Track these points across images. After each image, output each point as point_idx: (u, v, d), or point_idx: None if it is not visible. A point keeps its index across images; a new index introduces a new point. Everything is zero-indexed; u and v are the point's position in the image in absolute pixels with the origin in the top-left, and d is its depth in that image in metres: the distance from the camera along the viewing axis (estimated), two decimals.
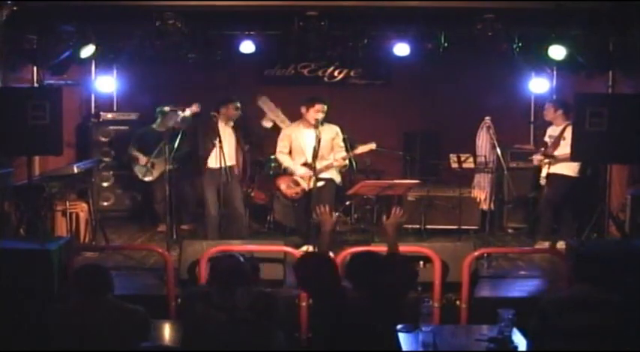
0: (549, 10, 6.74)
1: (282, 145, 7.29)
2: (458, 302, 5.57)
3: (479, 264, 6.21)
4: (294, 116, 7.29)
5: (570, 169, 7.40)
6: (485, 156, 7.43)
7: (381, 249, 5.73)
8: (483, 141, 7.40)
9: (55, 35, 6.95)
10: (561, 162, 7.35)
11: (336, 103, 8.31)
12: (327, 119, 7.19)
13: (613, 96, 7.31)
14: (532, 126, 9.36)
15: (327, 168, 7.15)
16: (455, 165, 7.70)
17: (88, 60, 8.35)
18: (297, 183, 7.21)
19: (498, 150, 7.05)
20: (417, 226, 8.12)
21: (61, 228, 7.19)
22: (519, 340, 4.29)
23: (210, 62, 8.44)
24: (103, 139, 9.07)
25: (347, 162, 7.38)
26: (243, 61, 8.74)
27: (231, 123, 7.37)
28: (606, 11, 6.67)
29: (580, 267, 4.15)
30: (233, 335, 3.91)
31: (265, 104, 8.41)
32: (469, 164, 7.63)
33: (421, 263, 5.87)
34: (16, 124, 6.19)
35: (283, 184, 7.29)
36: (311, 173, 6.98)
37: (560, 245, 7.20)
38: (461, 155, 7.66)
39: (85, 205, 7.47)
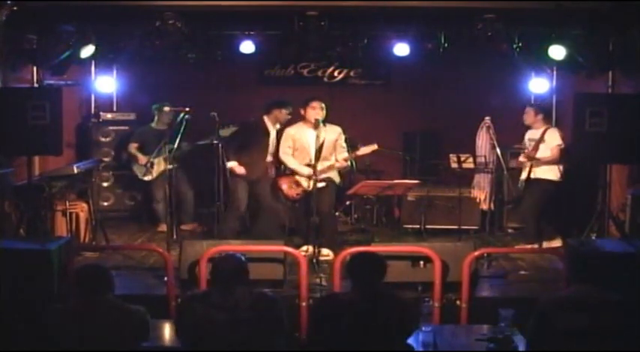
0: (549, 10, 6.74)
1: (285, 146, 7.27)
2: (458, 302, 5.57)
3: (479, 264, 6.21)
4: (294, 116, 7.29)
5: (552, 173, 7.43)
6: (485, 157, 7.43)
7: (381, 249, 5.75)
8: (483, 141, 7.40)
9: (55, 35, 6.95)
10: (543, 166, 7.38)
11: (336, 103, 8.32)
12: (328, 119, 7.19)
13: (613, 96, 7.31)
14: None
15: (330, 168, 7.14)
16: (455, 165, 7.70)
17: (88, 60, 8.36)
18: (298, 184, 7.20)
19: (498, 150, 7.04)
20: (417, 226, 8.13)
21: (61, 228, 7.19)
22: (519, 340, 4.29)
23: (210, 62, 8.45)
24: (103, 139, 9.07)
25: (349, 163, 7.38)
26: (243, 61, 8.74)
27: (278, 126, 7.43)
28: (606, 11, 6.67)
29: (580, 267, 4.15)
30: (233, 336, 3.91)
31: None
32: (469, 164, 7.63)
33: (421, 263, 5.87)
34: (16, 124, 6.19)
35: (285, 185, 7.28)
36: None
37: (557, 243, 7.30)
38: (461, 155, 7.66)
39: (85, 205, 7.47)
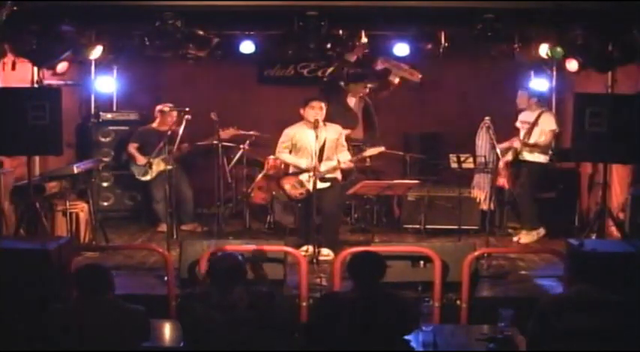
0: (549, 10, 6.74)
1: (282, 146, 7.27)
2: (458, 302, 5.57)
3: (479, 264, 6.21)
4: (295, 116, 7.28)
5: (542, 156, 7.50)
6: (485, 156, 7.43)
7: (381, 249, 5.75)
8: (483, 141, 7.40)
9: (55, 35, 6.94)
10: (534, 148, 7.42)
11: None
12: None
13: (613, 96, 7.31)
14: None
15: (334, 169, 7.14)
16: (455, 165, 7.70)
17: (88, 60, 8.37)
18: (302, 184, 7.19)
19: (498, 150, 7.04)
20: (417, 226, 8.12)
21: (61, 228, 7.19)
22: (519, 340, 4.29)
23: (210, 62, 8.44)
24: (103, 139, 9.07)
25: (351, 164, 7.38)
26: (243, 61, 8.74)
27: None
28: (606, 11, 6.66)
29: (580, 267, 4.15)
30: (233, 335, 3.91)
31: (387, 62, 8.31)
32: (469, 164, 7.63)
33: (421, 263, 5.87)
34: (16, 124, 6.20)
35: (288, 184, 7.28)
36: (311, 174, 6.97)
37: (540, 233, 7.46)
38: (461, 155, 7.65)
39: (85, 205, 7.47)
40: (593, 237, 6.64)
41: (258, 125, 8.62)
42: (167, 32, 7.21)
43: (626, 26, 6.67)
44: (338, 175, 7.24)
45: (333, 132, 7.16)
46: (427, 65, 8.77)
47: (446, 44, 7.90)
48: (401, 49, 8.03)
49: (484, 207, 7.69)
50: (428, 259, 5.72)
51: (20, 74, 7.35)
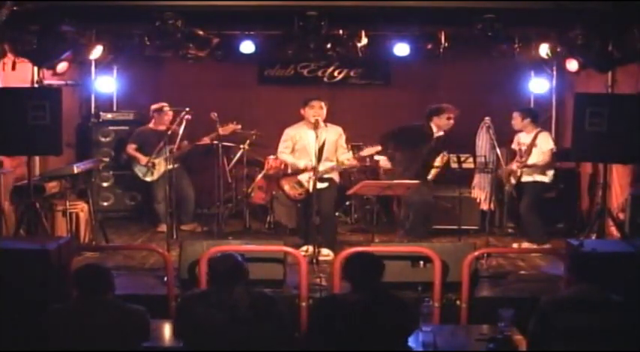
0: (549, 10, 6.74)
1: (283, 146, 7.28)
2: (458, 302, 5.57)
3: (479, 264, 6.21)
4: (294, 116, 7.29)
5: (544, 176, 7.45)
6: (485, 157, 7.43)
7: (381, 249, 5.75)
8: (483, 141, 7.40)
9: (55, 35, 6.95)
10: (534, 169, 7.40)
11: (336, 103, 8.32)
12: (328, 119, 7.19)
13: (613, 96, 7.31)
14: None
15: (333, 169, 7.14)
16: (455, 165, 7.70)
17: (88, 60, 8.37)
18: (300, 184, 7.20)
19: (498, 150, 7.04)
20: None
21: (61, 228, 7.19)
22: (519, 340, 4.29)
23: (210, 62, 8.45)
24: (103, 139, 9.07)
25: (355, 162, 7.39)
26: (243, 61, 8.75)
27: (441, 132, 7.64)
28: (606, 11, 6.67)
29: (580, 267, 4.15)
30: (233, 335, 3.91)
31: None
32: (469, 164, 7.63)
33: (421, 263, 5.87)
34: (16, 124, 6.19)
35: (287, 185, 7.28)
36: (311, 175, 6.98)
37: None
38: (461, 155, 7.66)
39: (85, 205, 7.47)
40: (593, 237, 6.64)
41: (258, 125, 8.63)
42: (167, 32, 7.21)
43: (626, 26, 6.67)
44: (335, 176, 7.24)
45: (333, 133, 7.16)
46: (427, 65, 8.78)
47: (446, 44, 7.91)
48: (401, 49, 8.03)
49: (484, 207, 7.70)
50: (428, 259, 5.72)
51: (20, 74, 7.35)
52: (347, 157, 7.19)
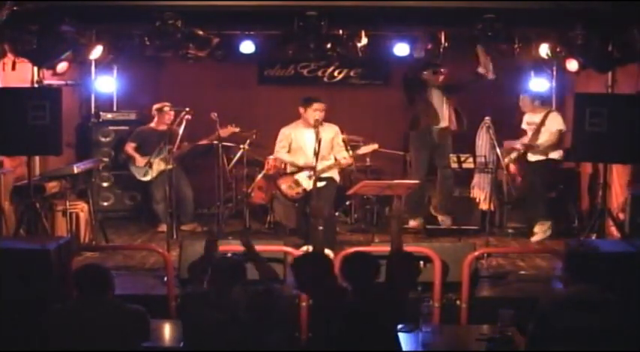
0: (549, 10, 6.74)
1: (279, 146, 7.28)
2: (458, 302, 5.57)
3: (479, 263, 6.21)
4: (294, 116, 7.29)
5: (555, 153, 7.48)
6: (485, 157, 7.43)
7: (381, 249, 5.75)
8: (483, 141, 7.40)
9: (55, 35, 6.95)
10: (538, 151, 7.43)
11: (336, 103, 8.32)
12: (327, 119, 7.19)
13: (613, 96, 7.31)
14: None
15: (329, 168, 7.14)
16: (455, 165, 7.70)
17: (88, 60, 8.37)
18: (297, 183, 7.20)
19: (498, 150, 7.04)
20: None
21: (61, 228, 7.19)
22: (519, 340, 4.29)
23: (210, 62, 8.44)
24: (103, 139, 9.07)
25: (352, 160, 7.38)
26: (243, 61, 8.74)
27: None
28: (606, 11, 6.67)
29: (579, 267, 4.15)
30: (232, 335, 3.91)
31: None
32: (469, 164, 7.63)
33: (421, 263, 5.87)
34: (16, 124, 6.20)
35: (284, 184, 7.29)
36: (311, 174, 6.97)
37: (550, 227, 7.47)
38: (461, 155, 7.66)
39: (85, 205, 7.47)
40: (593, 237, 6.64)
41: (258, 125, 8.63)
42: (167, 32, 7.21)
43: (626, 26, 6.67)
44: (334, 175, 7.23)
45: (329, 132, 7.16)
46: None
47: (446, 44, 7.90)
48: (401, 49, 8.03)
49: (484, 207, 7.69)
50: (428, 259, 5.72)
51: (20, 74, 7.35)
52: (344, 156, 7.19)
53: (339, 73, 9.57)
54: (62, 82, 8.17)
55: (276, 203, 8.22)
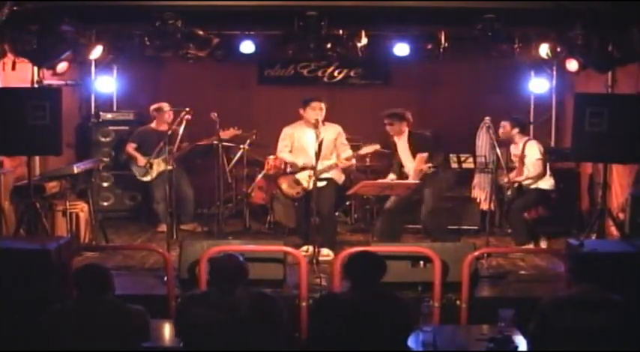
0: (549, 10, 6.74)
1: (282, 145, 7.29)
2: (458, 302, 5.57)
3: (479, 263, 6.21)
4: (295, 116, 7.29)
5: (546, 183, 7.43)
6: (485, 157, 7.43)
7: (381, 249, 5.75)
8: (483, 141, 7.39)
9: (55, 35, 6.95)
10: (527, 181, 7.38)
11: (336, 103, 8.32)
12: (327, 119, 7.19)
13: (613, 96, 7.31)
14: (532, 126, 9.35)
15: (330, 168, 7.14)
16: (455, 165, 7.70)
17: (88, 60, 8.37)
18: (298, 183, 7.21)
19: (498, 150, 7.04)
20: (417, 226, 8.11)
21: (61, 228, 7.19)
22: (519, 340, 4.29)
23: (210, 62, 8.44)
24: (103, 139, 9.07)
25: (353, 161, 7.38)
26: (243, 61, 8.74)
27: None
28: (606, 11, 6.67)
29: (580, 267, 4.15)
30: (233, 336, 3.91)
31: None
32: (469, 164, 7.62)
33: (421, 263, 5.87)
34: (16, 124, 6.20)
35: (284, 184, 7.29)
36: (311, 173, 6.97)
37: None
38: (461, 155, 7.65)
39: (85, 205, 7.47)
40: (593, 237, 6.64)
41: (258, 125, 8.63)
42: (167, 32, 7.21)
43: (626, 26, 6.67)
44: (335, 175, 7.23)
45: (332, 132, 7.16)
46: (427, 65, 8.78)
47: (446, 44, 7.90)
48: (401, 49, 8.03)
49: (484, 207, 7.70)
50: (428, 259, 5.72)
51: (20, 74, 7.35)
52: (348, 155, 7.18)
53: (339, 73, 9.57)
54: (62, 82, 8.17)
55: (276, 203, 8.23)
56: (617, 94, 7.38)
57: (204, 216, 8.57)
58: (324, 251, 6.95)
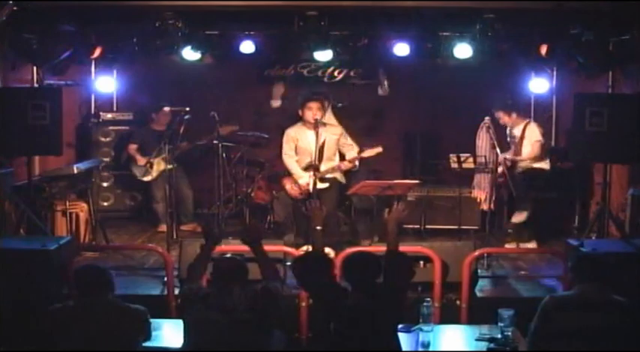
0: (549, 10, 6.74)
1: (287, 148, 7.27)
2: (458, 302, 5.57)
3: (479, 264, 6.21)
4: (294, 116, 7.29)
5: (544, 163, 7.43)
6: (485, 157, 7.43)
7: (381, 249, 5.74)
8: (483, 141, 7.39)
9: (55, 35, 6.95)
10: (528, 161, 7.39)
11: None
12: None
13: (613, 96, 7.31)
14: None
15: (334, 169, 7.13)
16: (455, 165, 7.69)
17: (88, 60, 8.36)
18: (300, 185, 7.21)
19: (498, 150, 7.05)
20: (417, 226, 8.12)
21: (61, 228, 7.19)
22: (519, 340, 4.29)
23: (210, 62, 8.44)
24: (103, 139, 9.07)
25: (357, 163, 7.37)
26: (243, 61, 8.74)
27: None
28: (606, 11, 6.67)
29: (580, 267, 4.15)
30: (232, 336, 3.91)
31: None
32: (469, 164, 7.62)
33: (421, 263, 5.87)
34: (16, 124, 6.21)
35: (288, 184, 7.29)
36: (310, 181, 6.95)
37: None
38: (461, 155, 7.65)
39: (85, 205, 7.47)
40: (593, 237, 6.64)
41: (258, 125, 8.63)
42: (167, 32, 7.21)
43: (626, 26, 6.67)
44: (338, 175, 7.23)
45: (333, 133, 7.15)
46: (427, 65, 8.77)
47: (446, 44, 7.89)
48: (401, 49, 8.02)
49: (484, 207, 7.69)
50: (428, 259, 5.72)
51: (20, 74, 7.35)
52: (353, 156, 7.17)
53: (339, 73, 9.56)
54: (62, 82, 8.16)
55: (276, 203, 8.22)
56: (617, 94, 7.37)
57: (204, 216, 8.56)
58: (326, 250, 6.94)
